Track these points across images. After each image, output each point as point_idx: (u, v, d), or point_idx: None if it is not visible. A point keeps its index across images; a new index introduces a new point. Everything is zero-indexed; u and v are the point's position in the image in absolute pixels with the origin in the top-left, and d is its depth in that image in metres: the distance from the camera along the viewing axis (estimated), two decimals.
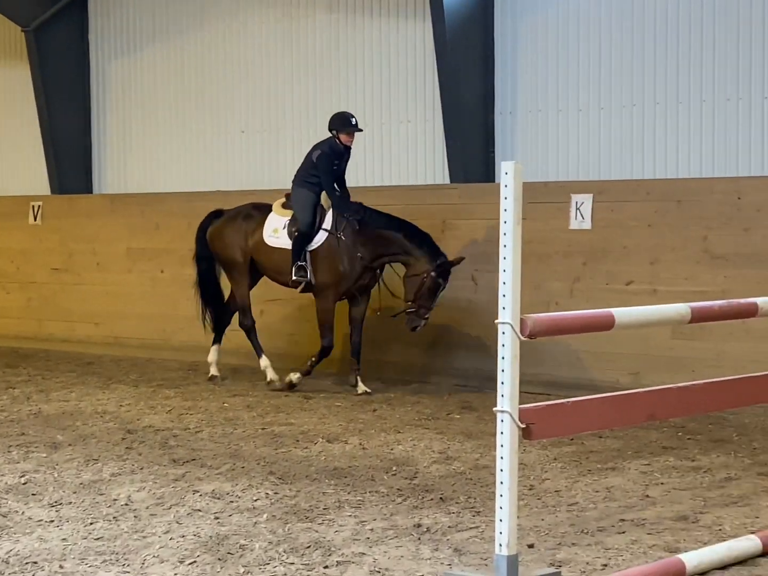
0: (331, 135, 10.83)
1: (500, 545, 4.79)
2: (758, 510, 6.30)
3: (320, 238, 10.76)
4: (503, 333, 4.76)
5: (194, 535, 5.78)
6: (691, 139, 10.70)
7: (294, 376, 10.80)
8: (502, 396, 4.76)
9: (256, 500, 6.52)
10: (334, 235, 10.70)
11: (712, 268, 10.30)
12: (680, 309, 5.59)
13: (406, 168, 12.42)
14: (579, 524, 6.01)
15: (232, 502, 6.49)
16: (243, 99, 13.69)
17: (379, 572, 5.22)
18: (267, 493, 6.66)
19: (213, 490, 6.73)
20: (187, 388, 11.09)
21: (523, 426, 4.79)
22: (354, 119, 10.85)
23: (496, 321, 4.79)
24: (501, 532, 4.78)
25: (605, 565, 5.31)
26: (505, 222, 4.83)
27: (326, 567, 5.29)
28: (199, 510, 6.29)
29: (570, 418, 5.14)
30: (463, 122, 11.58)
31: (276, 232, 11.00)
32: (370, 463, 7.58)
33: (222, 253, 11.42)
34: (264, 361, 11.19)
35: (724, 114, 10.52)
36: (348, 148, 10.84)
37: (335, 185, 10.76)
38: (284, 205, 11.05)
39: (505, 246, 4.81)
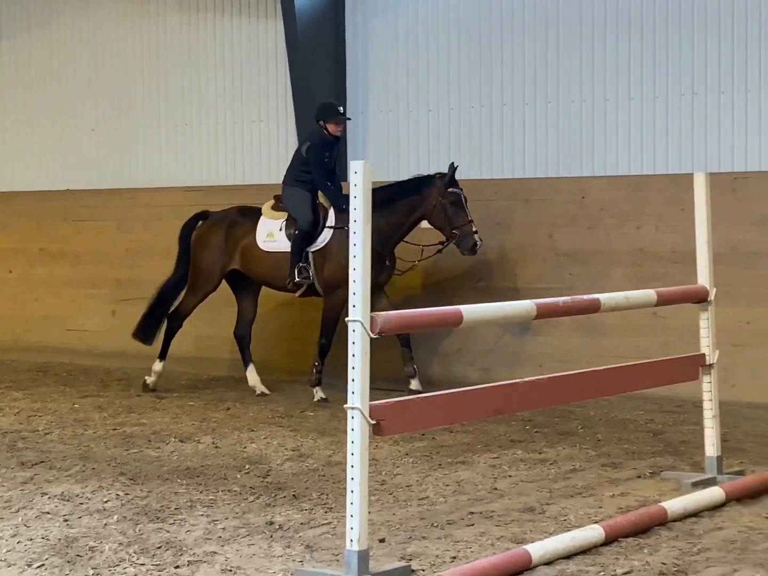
0: (318, 126, 10.27)
1: (351, 540, 4.85)
2: (601, 500, 6.48)
3: (326, 236, 10.18)
4: (354, 330, 4.83)
5: (43, 538, 5.70)
6: (538, 140, 10.94)
7: (318, 394, 10.14)
8: (353, 393, 4.83)
9: (106, 501, 6.46)
10: (342, 229, 10.01)
11: (558, 265, 10.57)
12: (526, 306, 5.75)
13: (259, 167, 12.41)
14: (429, 518, 6.11)
15: (81, 503, 6.41)
16: (93, 97, 13.49)
17: (231, 571, 5.22)
18: (117, 494, 6.60)
19: (62, 492, 6.64)
20: (37, 389, 10.89)
21: (374, 422, 4.86)
22: (342, 107, 10.41)
23: (347, 319, 4.86)
24: (352, 528, 4.85)
25: (454, 558, 5.40)
26: (354, 221, 4.90)
27: (177, 567, 5.27)
28: (48, 512, 6.21)
29: (420, 413, 5.24)
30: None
31: (271, 236, 10.35)
32: (222, 462, 7.57)
33: (199, 258, 10.68)
34: (157, 366, 10.72)
35: (569, 115, 10.78)
36: (338, 139, 10.36)
37: (327, 182, 10.22)
38: (274, 207, 10.45)
39: (354, 245, 4.88)
